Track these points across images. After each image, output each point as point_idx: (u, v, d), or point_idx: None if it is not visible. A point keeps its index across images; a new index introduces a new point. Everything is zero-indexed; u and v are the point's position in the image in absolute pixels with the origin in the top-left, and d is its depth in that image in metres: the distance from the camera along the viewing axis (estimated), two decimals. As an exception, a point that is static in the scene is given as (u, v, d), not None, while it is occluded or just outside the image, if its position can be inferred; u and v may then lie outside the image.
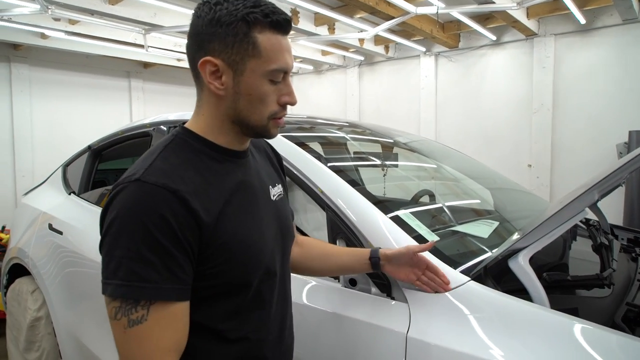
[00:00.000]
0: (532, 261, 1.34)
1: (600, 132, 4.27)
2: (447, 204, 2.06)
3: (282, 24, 0.81)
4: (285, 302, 0.97)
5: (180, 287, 0.74)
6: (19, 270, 2.61)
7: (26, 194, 3.04)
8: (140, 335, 0.71)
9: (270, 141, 1.47)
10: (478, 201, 2.18)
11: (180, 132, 0.86)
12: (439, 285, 1.04)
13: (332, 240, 1.22)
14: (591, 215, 2.01)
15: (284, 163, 1.39)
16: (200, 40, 0.80)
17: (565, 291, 1.33)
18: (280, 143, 1.47)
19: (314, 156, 1.43)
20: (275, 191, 0.98)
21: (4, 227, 3.98)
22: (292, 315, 1.02)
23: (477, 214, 1.97)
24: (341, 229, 1.20)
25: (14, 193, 4.47)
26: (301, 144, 1.53)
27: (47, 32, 3.94)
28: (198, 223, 0.75)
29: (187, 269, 0.75)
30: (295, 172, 1.36)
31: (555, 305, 1.01)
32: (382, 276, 1.11)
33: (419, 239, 1.21)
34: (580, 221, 2.20)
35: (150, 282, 0.71)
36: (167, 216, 0.72)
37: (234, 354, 0.85)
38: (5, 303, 2.74)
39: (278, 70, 0.82)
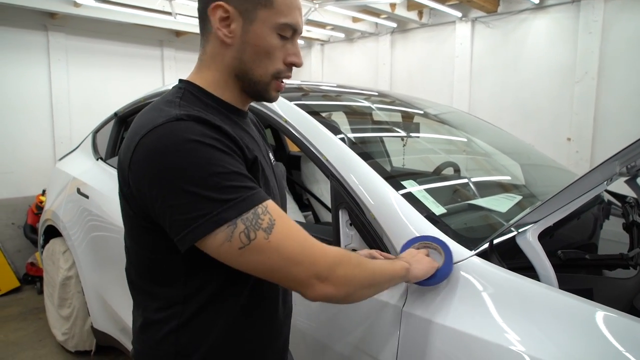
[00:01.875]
0: (556, 239, 1.27)
1: (650, 103, 3.96)
2: (471, 177, 1.98)
3: None
4: None
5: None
6: (53, 232, 2.75)
7: (61, 159, 3.17)
8: (282, 234, 0.70)
9: (278, 106, 1.44)
10: (507, 177, 2.09)
11: (186, 86, 0.83)
12: None
13: (335, 209, 1.19)
14: (629, 192, 1.88)
15: (291, 130, 1.36)
16: None
17: (591, 271, 1.25)
18: (289, 109, 1.44)
19: (325, 125, 1.39)
20: (271, 156, 0.97)
21: (44, 191, 4.19)
22: None
23: (503, 189, 1.88)
24: (344, 198, 1.16)
25: (53, 158, 4.66)
26: (314, 112, 1.49)
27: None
28: (245, 160, 0.75)
29: None
30: (302, 140, 1.33)
31: (567, 285, 0.95)
32: (381, 248, 1.08)
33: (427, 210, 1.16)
34: (616, 198, 2.07)
35: (251, 188, 0.70)
36: (222, 139, 0.71)
37: (246, 303, 0.83)
38: (42, 261, 2.91)
39: (288, 25, 0.80)
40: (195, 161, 0.67)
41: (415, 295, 0.97)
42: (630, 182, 1.73)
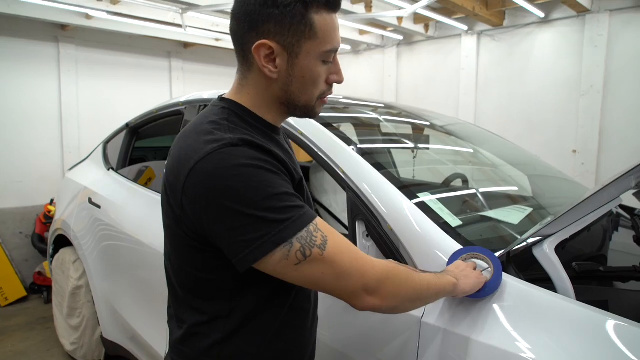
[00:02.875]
0: (567, 251, 1.27)
1: (655, 116, 3.98)
2: (480, 189, 1.99)
3: (337, 2, 0.81)
4: None
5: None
6: (63, 241, 2.77)
7: (71, 169, 3.20)
8: (335, 249, 0.72)
9: (292, 119, 1.46)
10: (515, 188, 2.10)
11: (230, 106, 0.84)
12: None
13: (352, 220, 1.21)
14: (637, 204, 1.88)
15: (307, 142, 1.39)
16: (253, 21, 0.77)
17: (602, 283, 1.26)
18: (304, 122, 1.46)
19: (340, 137, 1.41)
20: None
21: (52, 200, 4.22)
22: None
23: (512, 201, 1.89)
24: (361, 210, 1.18)
25: (62, 168, 4.70)
26: (327, 124, 1.51)
27: (90, 12, 4.07)
28: (292, 180, 0.78)
29: None
30: (317, 152, 1.35)
31: (584, 296, 0.96)
32: (398, 260, 1.09)
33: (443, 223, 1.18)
34: (625, 210, 2.07)
35: (302, 207, 0.73)
36: (273, 161, 0.74)
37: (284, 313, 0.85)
38: (51, 271, 2.93)
39: (332, 51, 0.82)
40: (251, 184, 0.70)
41: (435, 306, 0.98)
42: (639, 195, 1.74)
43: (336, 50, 0.83)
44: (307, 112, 0.86)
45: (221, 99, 0.87)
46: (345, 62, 6.50)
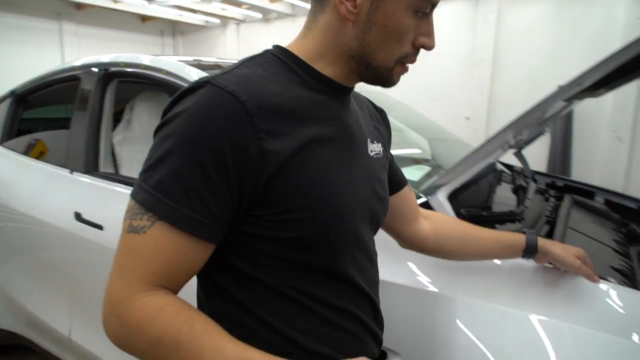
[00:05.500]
0: (459, 202, 1.44)
1: (534, 87, 4.47)
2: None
3: None
4: (374, 280, 0.80)
5: (202, 220, 0.60)
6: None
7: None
8: (130, 245, 0.61)
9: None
10: (418, 151, 2.27)
11: (274, 50, 0.70)
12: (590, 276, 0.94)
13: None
14: (517, 163, 2.15)
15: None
16: None
17: (484, 226, 1.45)
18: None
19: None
20: (374, 147, 0.80)
21: None
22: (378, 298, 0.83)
23: (414, 162, 2.05)
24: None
25: None
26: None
27: (-45, -38, 3.53)
28: (262, 149, 0.60)
29: (223, 204, 0.61)
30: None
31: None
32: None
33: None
34: (507, 168, 2.35)
35: (171, 199, 0.59)
36: (223, 132, 0.58)
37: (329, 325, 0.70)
38: None
39: (427, 1, 0.65)
40: (173, 135, 0.61)
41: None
42: (517, 154, 2.00)
43: (434, 5, 0.66)
44: (381, 74, 0.69)
45: (274, 45, 0.73)
46: (255, 31, 6.38)
